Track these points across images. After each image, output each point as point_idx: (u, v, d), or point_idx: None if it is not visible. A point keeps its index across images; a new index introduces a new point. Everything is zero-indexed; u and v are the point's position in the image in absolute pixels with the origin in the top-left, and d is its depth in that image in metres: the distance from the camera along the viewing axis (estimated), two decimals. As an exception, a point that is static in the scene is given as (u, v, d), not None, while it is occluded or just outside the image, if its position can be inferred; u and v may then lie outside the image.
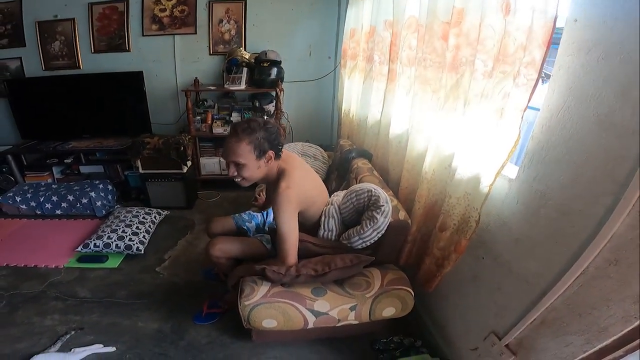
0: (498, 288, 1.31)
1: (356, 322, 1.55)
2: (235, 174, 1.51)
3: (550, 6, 0.95)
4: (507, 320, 1.24)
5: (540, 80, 1.03)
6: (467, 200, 1.32)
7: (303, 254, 1.58)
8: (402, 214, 1.60)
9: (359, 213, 1.64)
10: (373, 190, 1.58)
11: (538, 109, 1.12)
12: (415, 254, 1.73)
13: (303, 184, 1.57)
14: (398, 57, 1.86)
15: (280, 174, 1.55)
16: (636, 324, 0.82)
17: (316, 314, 1.50)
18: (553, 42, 1.01)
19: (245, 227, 1.94)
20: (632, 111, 0.83)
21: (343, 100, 2.94)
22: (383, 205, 1.53)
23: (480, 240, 1.38)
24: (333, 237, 1.69)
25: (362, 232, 1.55)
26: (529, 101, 1.04)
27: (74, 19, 3.34)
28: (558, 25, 0.98)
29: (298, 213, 1.54)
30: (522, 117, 1.07)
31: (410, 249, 1.73)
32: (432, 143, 1.50)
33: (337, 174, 2.38)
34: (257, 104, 3.41)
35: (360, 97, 2.50)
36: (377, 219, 1.52)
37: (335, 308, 1.51)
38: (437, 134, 1.47)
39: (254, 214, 2.03)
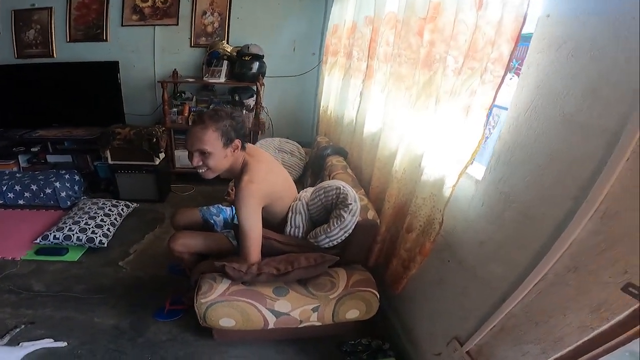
0: (462, 292, 1.27)
1: (319, 323, 1.50)
2: (200, 163, 1.44)
3: None
4: (469, 326, 1.20)
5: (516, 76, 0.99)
6: (433, 201, 1.27)
7: (267, 252, 1.52)
8: (371, 214, 1.55)
9: (327, 211, 1.59)
10: (341, 187, 1.52)
11: (507, 109, 1.08)
12: (385, 255, 1.69)
13: (268, 179, 1.51)
14: (376, 53, 1.81)
15: (244, 167, 1.49)
16: (592, 334, 0.78)
17: (277, 314, 1.44)
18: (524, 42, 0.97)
19: (212, 221, 1.87)
20: (601, 110, 0.79)
21: (322, 96, 2.88)
22: (351, 204, 1.48)
23: (447, 243, 1.34)
24: (300, 235, 1.63)
25: (329, 230, 1.49)
26: (494, 99, 1.00)
27: (51, 8, 3.23)
28: (528, 24, 0.94)
29: (263, 208, 1.48)
30: (486, 116, 1.03)
31: (380, 250, 1.69)
32: (404, 142, 1.46)
33: (312, 171, 2.33)
34: (236, 98, 3.33)
35: (339, 94, 2.45)
36: (344, 217, 1.47)
37: (297, 309, 1.45)
38: (409, 132, 1.43)
39: (223, 207, 1.95)
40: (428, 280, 1.47)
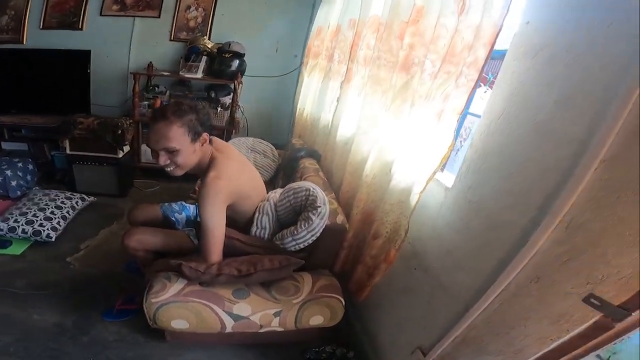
0: (427, 301, 1.24)
1: (281, 329, 1.43)
2: (168, 161, 1.35)
3: (499, 4, 0.91)
4: (433, 336, 1.17)
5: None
6: (400, 208, 1.25)
7: (230, 252, 1.44)
8: (340, 218, 1.52)
9: (296, 212, 1.54)
10: (311, 189, 1.48)
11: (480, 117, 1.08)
12: (351, 261, 1.65)
13: (236, 176, 1.44)
14: (356, 56, 1.80)
15: (212, 163, 1.42)
16: (552, 346, 0.76)
17: (235, 317, 1.36)
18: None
19: (173, 218, 1.76)
20: (572, 119, 0.78)
21: (300, 98, 2.85)
22: (320, 207, 1.43)
23: (414, 251, 1.31)
24: (266, 236, 1.57)
25: (295, 233, 1.45)
26: (466, 103, 0.99)
27: (29, -6, 3.06)
28: (503, 37, 0.94)
29: (228, 207, 1.41)
30: (457, 121, 1.01)
31: (346, 256, 1.65)
32: (376, 146, 1.44)
33: (284, 173, 2.27)
34: (212, 95, 3.25)
35: (317, 97, 2.43)
36: (312, 220, 1.42)
37: (257, 312, 1.38)
38: (382, 137, 1.41)
39: (187, 205, 1.85)
40: (394, 288, 1.44)
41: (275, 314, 1.40)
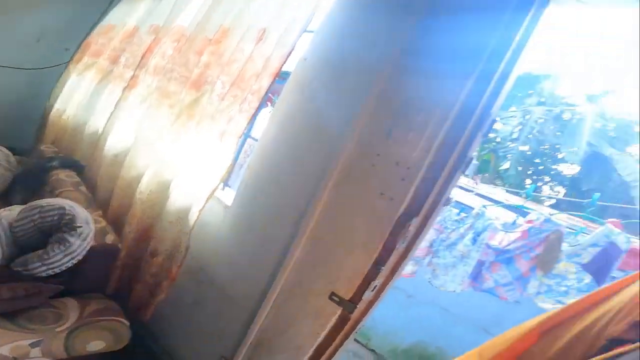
0: (218, 312, 1.25)
1: (48, 359, 1.15)
2: None
3: (291, 39, 1.06)
4: (231, 343, 1.18)
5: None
6: (180, 224, 1.24)
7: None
8: (110, 237, 1.35)
9: (43, 233, 1.27)
10: (67, 208, 1.26)
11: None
12: (127, 281, 1.46)
13: None
14: (147, 64, 1.67)
15: None
16: (319, 339, 0.91)
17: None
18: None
19: None
20: (318, 150, 0.99)
21: (58, 98, 2.34)
22: (81, 227, 1.25)
23: (199, 266, 1.31)
24: (-4, 262, 1.19)
25: (46, 257, 1.21)
26: (245, 128, 1.09)
27: None
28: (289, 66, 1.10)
29: None
30: (237, 144, 1.11)
31: (120, 275, 1.45)
32: (155, 161, 1.37)
33: (25, 186, 1.79)
34: None
35: (88, 100, 2.06)
36: (70, 242, 1.22)
37: (5, 345, 1.09)
38: (163, 152, 1.35)
39: None
40: (185, 302, 1.38)
41: (33, 345, 1.14)
